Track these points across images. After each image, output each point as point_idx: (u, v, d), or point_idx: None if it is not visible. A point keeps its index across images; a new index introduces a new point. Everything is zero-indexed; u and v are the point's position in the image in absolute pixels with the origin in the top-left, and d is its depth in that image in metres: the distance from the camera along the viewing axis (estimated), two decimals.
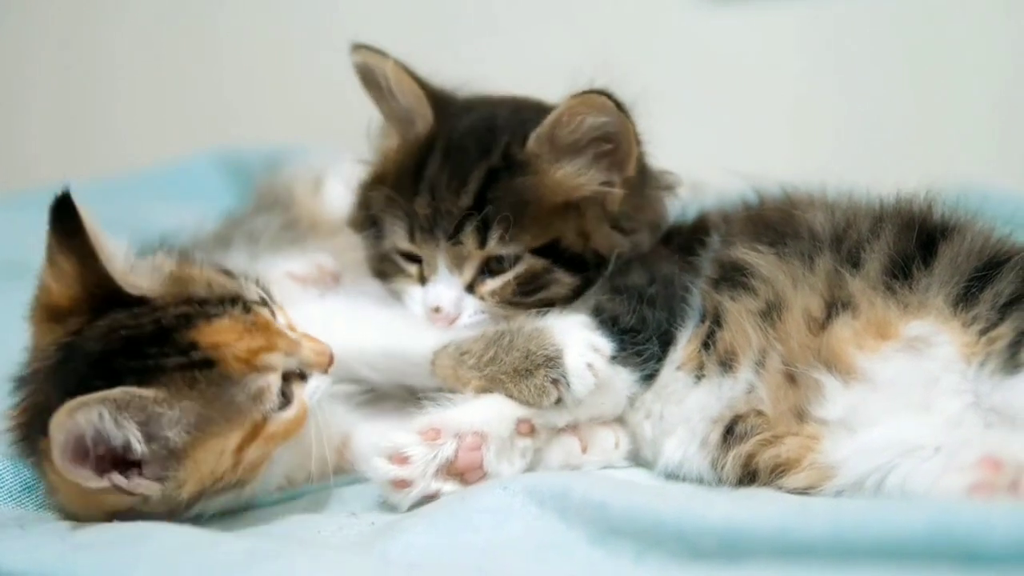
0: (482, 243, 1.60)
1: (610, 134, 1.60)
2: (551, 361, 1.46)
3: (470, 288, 1.64)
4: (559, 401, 1.47)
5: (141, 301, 1.39)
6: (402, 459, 1.42)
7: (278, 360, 1.42)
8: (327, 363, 1.48)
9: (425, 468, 1.42)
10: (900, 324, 1.39)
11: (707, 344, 1.54)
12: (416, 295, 1.67)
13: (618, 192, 1.63)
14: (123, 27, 3.60)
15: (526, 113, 1.68)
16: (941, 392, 1.34)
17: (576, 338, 1.49)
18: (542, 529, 1.27)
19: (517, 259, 1.62)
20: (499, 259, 1.62)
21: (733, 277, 1.55)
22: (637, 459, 1.61)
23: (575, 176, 1.61)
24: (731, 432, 1.48)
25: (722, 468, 1.47)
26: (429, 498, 1.42)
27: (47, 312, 1.44)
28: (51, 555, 1.22)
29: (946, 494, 1.23)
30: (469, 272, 1.63)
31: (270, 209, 2.06)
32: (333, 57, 3.35)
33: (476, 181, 1.60)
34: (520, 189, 1.59)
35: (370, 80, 1.71)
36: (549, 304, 1.61)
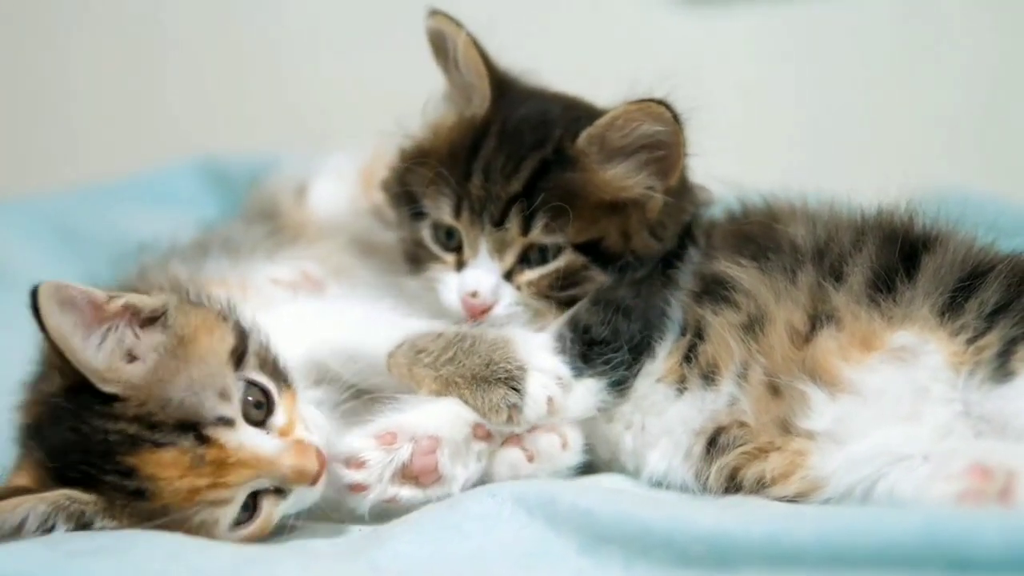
0: (526, 230, 1.61)
1: (662, 142, 1.61)
2: (513, 380, 1.47)
3: (507, 277, 1.64)
4: (509, 420, 1.47)
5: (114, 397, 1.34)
6: (359, 464, 1.41)
7: (227, 494, 1.33)
8: (312, 478, 1.38)
9: (381, 472, 1.41)
10: (886, 335, 1.39)
11: (688, 357, 1.55)
12: (451, 282, 1.66)
13: (659, 198, 1.64)
14: (102, 32, 3.58)
15: (578, 111, 1.70)
16: (930, 401, 1.35)
17: (542, 363, 1.50)
18: (531, 537, 1.27)
19: (558, 252, 1.63)
20: (540, 250, 1.63)
21: (715, 291, 1.55)
22: (615, 468, 1.61)
23: (623, 178, 1.63)
24: (714, 444, 1.48)
25: (706, 479, 1.48)
26: (389, 503, 1.42)
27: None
28: (42, 562, 1.21)
29: (935, 502, 1.24)
30: (510, 258, 1.63)
31: (255, 220, 2.05)
32: (315, 61, 3.41)
33: (528, 169, 1.61)
34: (569, 183, 1.61)
35: (440, 47, 1.72)
36: (574, 301, 1.62)
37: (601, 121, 1.60)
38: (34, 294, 1.29)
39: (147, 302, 1.41)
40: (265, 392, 1.41)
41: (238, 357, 1.40)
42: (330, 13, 3.48)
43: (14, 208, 2.78)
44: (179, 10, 3.54)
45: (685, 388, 1.54)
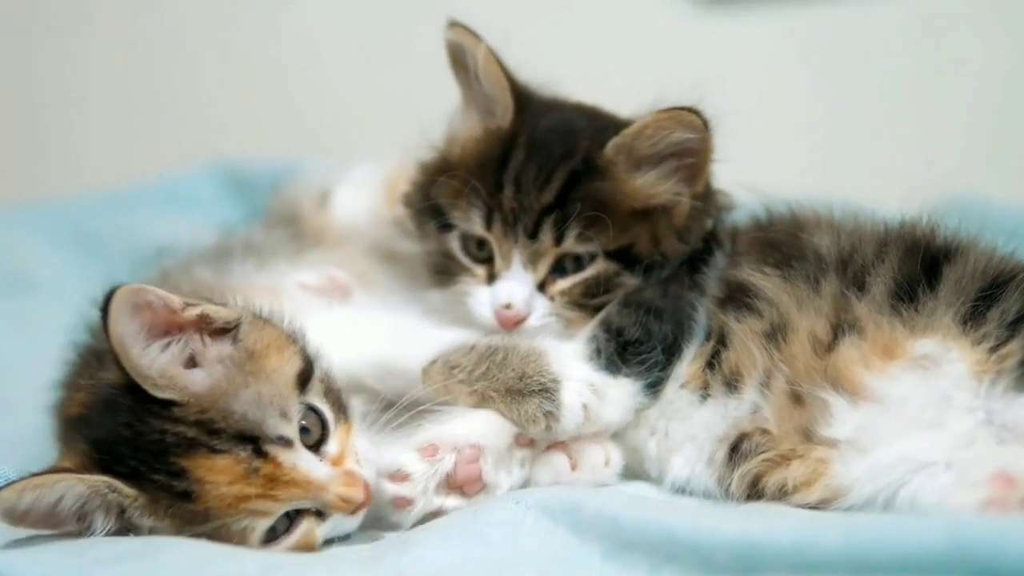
0: (559, 240, 1.62)
1: (690, 149, 1.62)
2: (547, 392, 1.47)
3: (540, 288, 1.64)
4: (547, 429, 1.48)
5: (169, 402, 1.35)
6: (402, 477, 1.43)
7: (272, 507, 1.35)
8: (353, 508, 1.39)
9: (426, 484, 1.43)
10: (908, 343, 1.40)
11: (712, 363, 1.55)
12: (482, 295, 1.66)
13: (686, 204, 1.65)
14: (110, 38, 3.59)
15: (602, 122, 1.70)
16: (953, 409, 1.35)
17: (576, 373, 1.50)
18: (555, 544, 1.28)
19: (591, 260, 1.63)
20: (574, 259, 1.63)
21: (738, 297, 1.56)
22: (639, 475, 1.60)
23: (651, 186, 1.64)
24: (736, 450, 1.49)
25: (728, 486, 1.48)
26: (432, 515, 1.43)
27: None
28: (69, 568, 1.22)
29: (957, 510, 1.24)
30: (543, 269, 1.64)
31: (275, 225, 2.06)
32: (321, 68, 3.42)
33: (559, 179, 1.62)
34: (600, 192, 1.61)
35: (459, 60, 1.72)
36: (603, 306, 1.63)
37: (629, 130, 1.61)
38: (109, 295, 1.29)
39: (222, 313, 1.41)
40: (323, 421, 1.42)
41: (303, 381, 1.42)
42: (337, 21, 3.49)
43: (34, 213, 2.80)
44: (187, 17, 3.55)
45: (708, 395, 1.54)
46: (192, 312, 1.38)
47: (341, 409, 1.46)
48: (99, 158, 3.56)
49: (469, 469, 1.44)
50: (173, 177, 3.02)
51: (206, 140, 3.41)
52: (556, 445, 1.53)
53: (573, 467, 1.53)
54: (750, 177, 1.71)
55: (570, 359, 1.52)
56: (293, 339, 1.46)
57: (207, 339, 1.39)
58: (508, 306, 1.62)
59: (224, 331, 1.41)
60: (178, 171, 3.05)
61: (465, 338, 1.57)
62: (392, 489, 1.42)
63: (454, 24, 1.69)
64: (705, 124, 1.59)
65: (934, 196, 2.24)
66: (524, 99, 1.71)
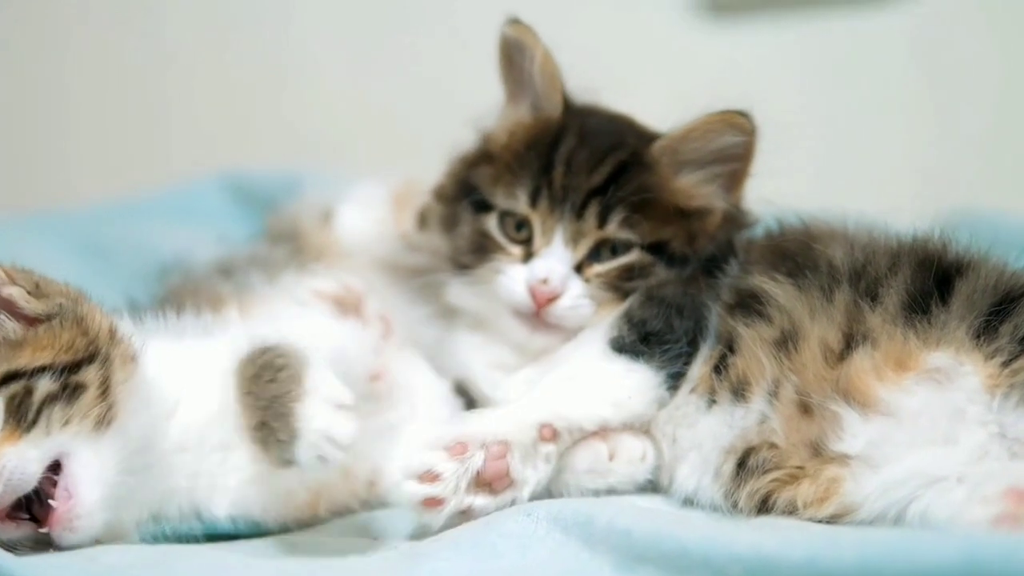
0: (602, 224, 1.67)
1: (735, 155, 1.69)
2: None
3: (577, 269, 1.68)
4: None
5: None
6: (432, 477, 1.43)
7: None
8: None
9: (457, 483, 1.43)
10: (921, 355, 1.39)
11: (718, 369, 1.55)
12: (516, 273, 1.69)
13: (721, 211, 1.71)
14: (108, 49, 3.61)
15: (643, 128, 1.77)
16: (966, 423, 1.35)
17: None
18: (567, 556, 1.27)
19: (628, 249, 1.68)
20: (611, 248, 1.68)
21: (749, 304, 1.56)
22: (648, 488, 1.61)
23: (693, 187, 1.70)
24: (743, 466, 1.48)
25: (736, 501, 1.47)
26: (461, 515, 1.43)
27: None
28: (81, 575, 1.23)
29: (969, 525, 1.24)
30: (582, 250, 1.68)
31: (277, 241, 2.07)
32: (331, 82, 3.43)
33: (609, 165, 1.68)
34: (645, 185, 1.67)
35: (512, 56, 1.78)
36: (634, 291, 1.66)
37: (677, 132, 1.68)
38: None
39: (32, 305, 1.43)
40: None
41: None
42: (336, 33, 3.51)
43: (41, 223, 2.79)
44: (185, 29, 3.57)
45: (715, 401, 1.54)
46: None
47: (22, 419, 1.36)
48: (96, 170, 3.58)
49: (497, 465, 1.45)
50: (180, 188, 3.02)
51: (204, 152, 3.44)
52: (596, 434, 1.55)
53: (610, 457, 1.55)
54: (759, 186, 1.74)
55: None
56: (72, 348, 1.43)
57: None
58: (545, 281, 1.65)
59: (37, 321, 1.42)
60: (185, 183, 3.05)
61: None
62: (423, 490, 1.42)
63: (515, 22, 1.75)
64: (753, 127, 1.65)
65: (945, 209, 2.26)
66: (570, 99, 1.77)
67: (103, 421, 1.37)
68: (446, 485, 1.42)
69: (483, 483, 1.45)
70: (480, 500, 1.44)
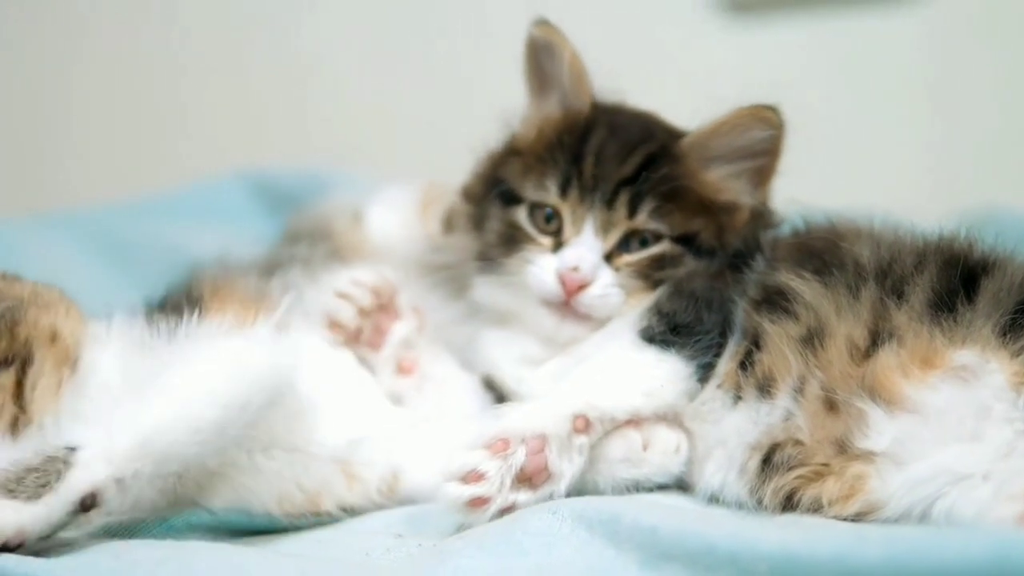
0: (632, 214, 1.68)
1: (763, 150, 1.70)
2: None
3: (607, 259, 1.69)
4: None
5: None
6: (477, 477, 1.42)
7: None
8: None
9: (502, 480, 1.42)
10: (948, 353, 1.39)
11: (744, 365, 1.55)
12: (545, 262, 1.69)
13: (748, 207, 1.72)
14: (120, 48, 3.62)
15: (667, 124, 1.79)
16: (992, 421, 1.34)
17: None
18: (592, 554, 1.27)
19: (657, 239, 1.70)
20: (641, 238, 1.69)
21: (775, 301, 1.55)
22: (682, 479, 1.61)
23: (721, 180, 1.71)
24: (768, 462, 1.48)
25: (761, 498, 1.48)
26: (501, 512, 1.43)
27: None
28: (107, 571, 1.22)
29: (996, 523, 1.24)
30: (612, 239, 1.69)
31: (305, 240, 2.08)
32: (347, 81, 3.44)
33: (639, 156, 1.69)
34: (675, 176, 1.69)
35: (539, 56, 1.79)
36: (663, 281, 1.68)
37: (705, 127, 1.69)
38: None
39: None
40: None
41: None
42: (352, 32, 3.52)
43: (64, 221, 2.80)
44: (201, 27, 3.58)
45: (740, 397, 1.54)
46: None
47: None
48: (112, 171, 3.59)
49: (537, 460, 1.45)
50: (201, 187, 3.02)
51: (221, 153, 3.45)
52: (630, 423, 1.55)
53: (644, 447, 1.55)
54: (781, 185, 1.76)
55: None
56: None
57: None
58: (575, 268, 1.66)
59: None
60: (206, 181, 3.06)
61: None
62: (468, 491, 1.41)
63: (543, 22, 1.77)
64: (781, 121, 1.66)
65: (967, 207, 2.25)
66: (596, 97, 1.79)
67: (15, 423, 1.38)
68: (491, 484, 1.42)
69: (524, 479, 1.44)
70: (522, 496, 1.44)
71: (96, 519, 1.31)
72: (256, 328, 1.52)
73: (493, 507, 1.42)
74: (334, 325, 1.75)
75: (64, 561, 1.26)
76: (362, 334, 1.77)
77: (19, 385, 1.40)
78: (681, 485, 1.60)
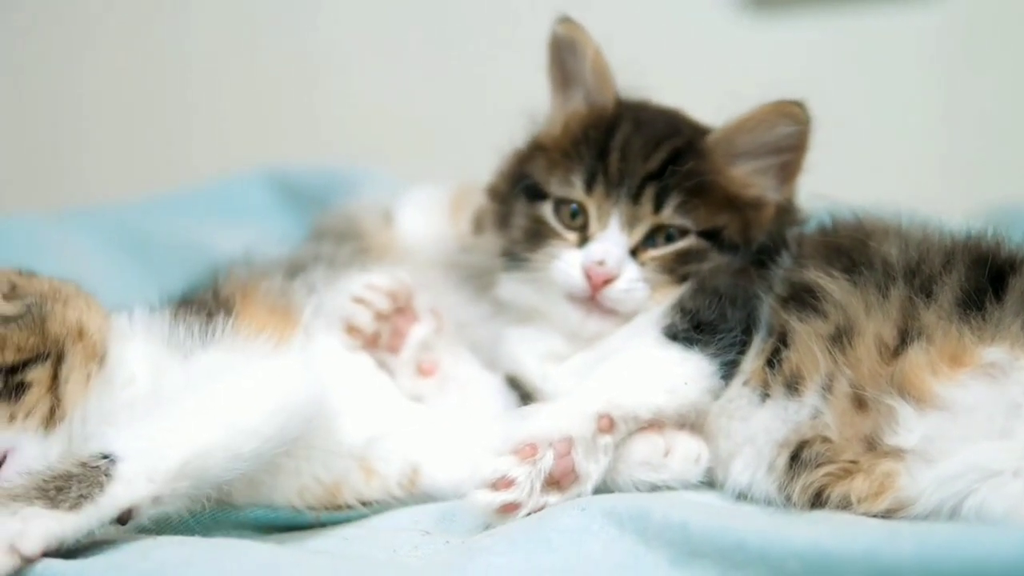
0: (658, 209, 1.68)
1: (790, 146, 1.70)
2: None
3: (632, 254, 1.69)
4: None
5: None
6: (507, 483, 1.42)
7: None
8: None
9: (532, 485, 1.42)
10: (977, 351, 1.39)
11: (771, 362, 1.55)
12: (571, 257, 1.70)
13: (774, 203, 1.73)
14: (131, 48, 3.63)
15: (692, 120, 1.80)
16: (1022, 417, 1.34)
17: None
18: (621, 550, 1.27)
19: (683, 234, 1.70)
20: (667, 233, 1.70)
21: (803, 298, 1.55)
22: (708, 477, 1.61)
23: (747, 176, 1.72)
24: (797, 459, 1.47)
25: (789, 495, 1.47)
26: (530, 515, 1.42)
27: None
28: (136, 573, 1.23)
29: None
30: (638, 234, 1.70)
31: (331, 239, 2.09)
32: (347, 77, 3.44)
33: (665, 151, 1.70)
34: (701, 172, 1.69)
35: (562, 54, 1.81)
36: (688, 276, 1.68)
37: (731, 124, 1.70)
38: None
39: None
40: None
41: None
42: (364, 31, 3.52)
43: (85, 217, 2.81)
44: (213, 26, 3.59)
45: (768, 395, 1.54)
46: None
47: None
48: (126, 169, 3.60)
49: (564, 462, 1.45)
50: (223, 183, 3.03)
51: (235, 152, 3.45)
52: (653, 427, 1.55)
53: (666, 453, 1.55)
54: (804, 181, 1.76)
55: None
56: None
57: None
58: (601, 262, 1.66)
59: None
60: (226, 178, 3.06)
61: None
62: (500, 497, 1.41)
63: (566, 20, 1.78)
64: (807, 117, 1.67)
65: (990, 203, 2.24)
66: (620, 94, 1.80)
67: (51, 417, 1.39)
68: (522, 489, 1.42)
69: (552, 482, 1.45)
70: (552, 499, 1.44)
71: (127, 528, 1.33)
72: (291, 347, 1.56)
73: (523, 512, 1.42)
74: (352, 330, 1.75)
75: (93, 563, 1.26)
76: (380, 338, 1.77)
77: (54, 379, 1.41)
78: (710, 483, 1.60)
